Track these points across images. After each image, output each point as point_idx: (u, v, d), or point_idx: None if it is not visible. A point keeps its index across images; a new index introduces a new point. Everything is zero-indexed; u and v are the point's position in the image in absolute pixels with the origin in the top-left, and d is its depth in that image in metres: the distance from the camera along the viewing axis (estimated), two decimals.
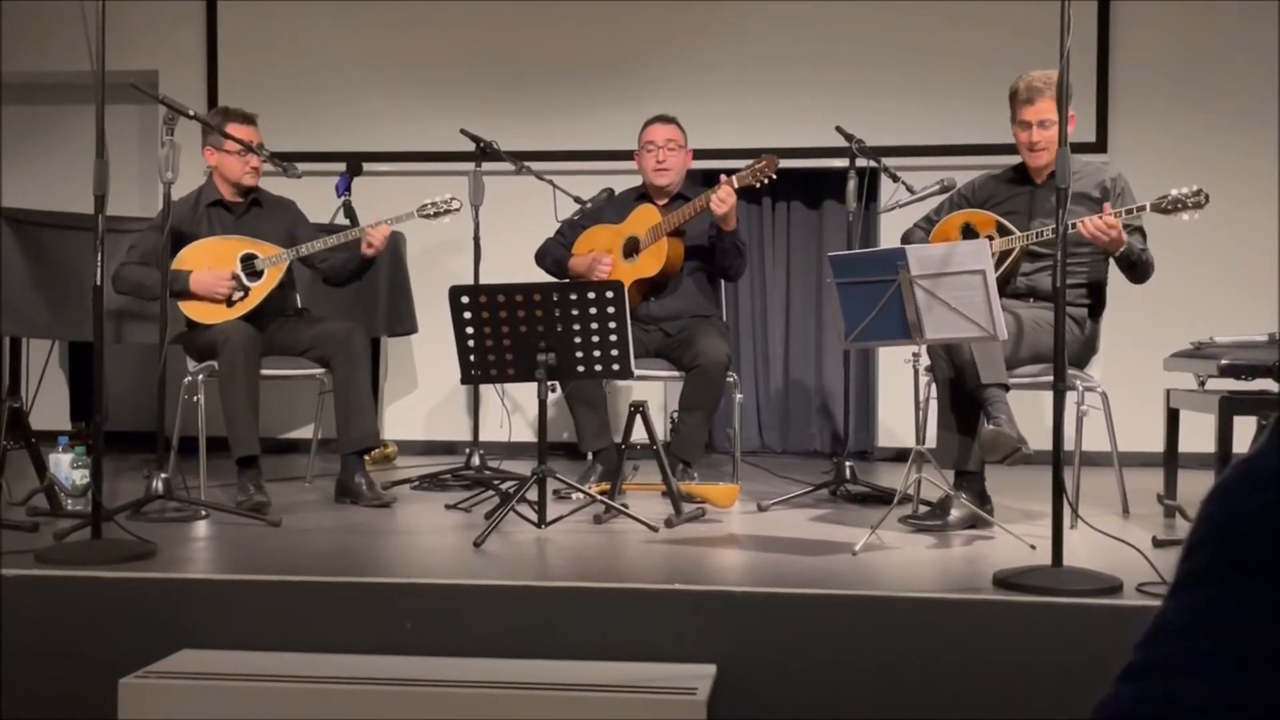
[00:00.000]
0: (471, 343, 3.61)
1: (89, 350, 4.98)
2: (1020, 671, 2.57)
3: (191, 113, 3.81)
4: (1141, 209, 3.60)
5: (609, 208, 4.67)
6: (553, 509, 3.59)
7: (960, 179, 4.16)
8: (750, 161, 4.21)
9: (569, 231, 4.73)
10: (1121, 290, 3.98)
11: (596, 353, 3.59)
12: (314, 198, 4.89)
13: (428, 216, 4.24)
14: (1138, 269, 3.76)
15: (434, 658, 2.66)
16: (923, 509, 3.70)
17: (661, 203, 4.63)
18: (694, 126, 4.80)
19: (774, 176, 4.19)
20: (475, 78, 5.91)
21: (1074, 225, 3.53)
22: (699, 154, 4.87)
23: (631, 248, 4.54)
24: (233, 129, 4.22)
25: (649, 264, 4.47)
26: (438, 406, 5.96)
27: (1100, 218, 3.56)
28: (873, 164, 4.36)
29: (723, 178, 4.24)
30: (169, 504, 3.71)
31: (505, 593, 2.78)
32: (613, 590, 2.76)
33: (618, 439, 4.20)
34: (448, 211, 4.24)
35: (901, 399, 5.35)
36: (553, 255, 4.72)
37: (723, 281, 4.76)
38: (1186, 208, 3.50)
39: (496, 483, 4.29)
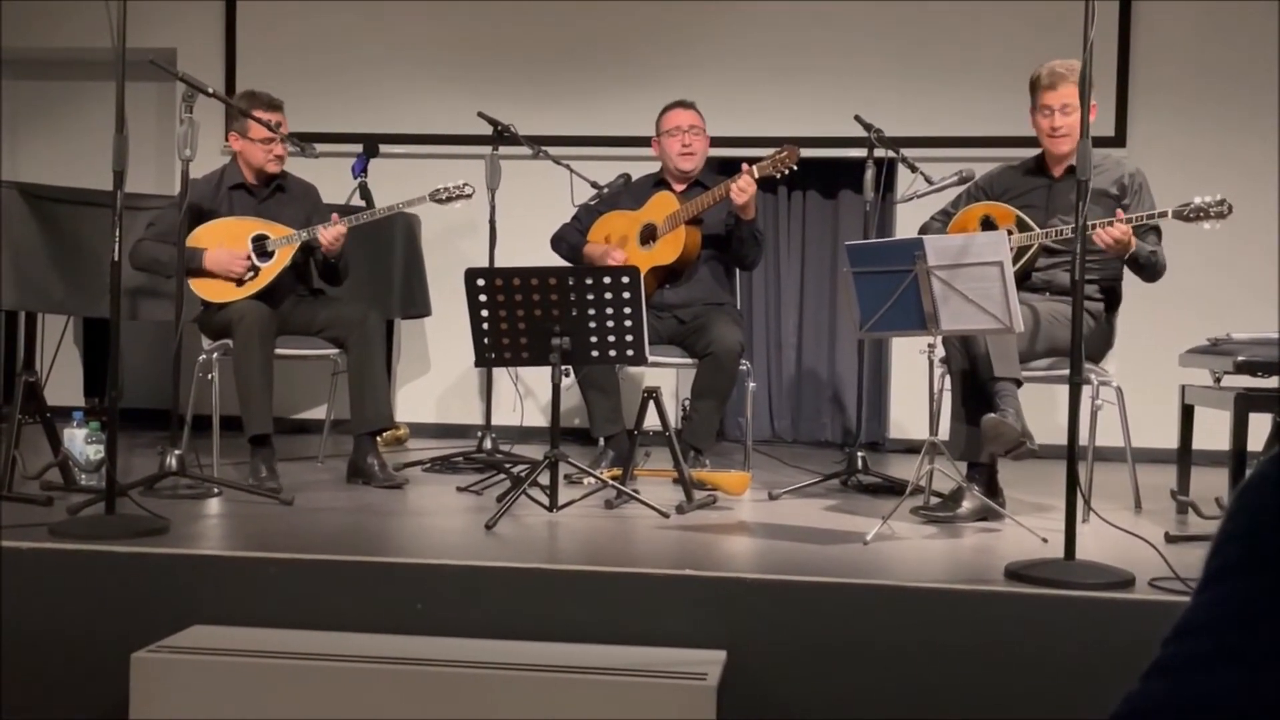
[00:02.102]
0: (486, 325, 3.62)
1: (104, 326, 4.99)
2: (1031, 664, 2.57)
3: (210, 90, 3.80)
4: (1163, 215, 3.58)
5: (626, 194, 4.66)
6: (564, 493, 3.59)
7: (978, 171, 4.15)
8: (771, 151, 4.19)
9: (585, 217, 4.71)
10: (1138, 285, 3.96)
11: (611, 338, 3.59)
12: (331, 178, 4.90)
13: (440, 201, 4.23)
14: (1146, 270, 3.75)
15: (444, 638, 2.66)
16: (934, 500, 3.70)
17: (679, 189, 4.62)
18: (712, 114, 4.79)
19: (795, 167, 4.18)
20: (494, 61, 5.90)
21: (1091, 228, 3.52)
22: (717, 142, 4.86)
23: (648, 235, 4.53)
24: (260, 115, 4.21)
25: (666, 251, 4.46)
26: (450, 389, 5.97)
27: (1113, 224, 3.53)
28: (891, 154, 4.34)
29: (744, 166, 4.22)
30: (182, 481, 3.72)
31: (516, 575, 2.79)
32: (623, 575, 2.76)
33: (630, 425, 4.20)
34: (460, 196, 4.23)
35: (913, 391, 5.35)
36: (568, 241, 4.71)
37: (738, 270, 4.75)
38: (1209, 216, 3.48)
39: (508, 466, 4.30)
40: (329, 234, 4.14)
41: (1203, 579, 0.63)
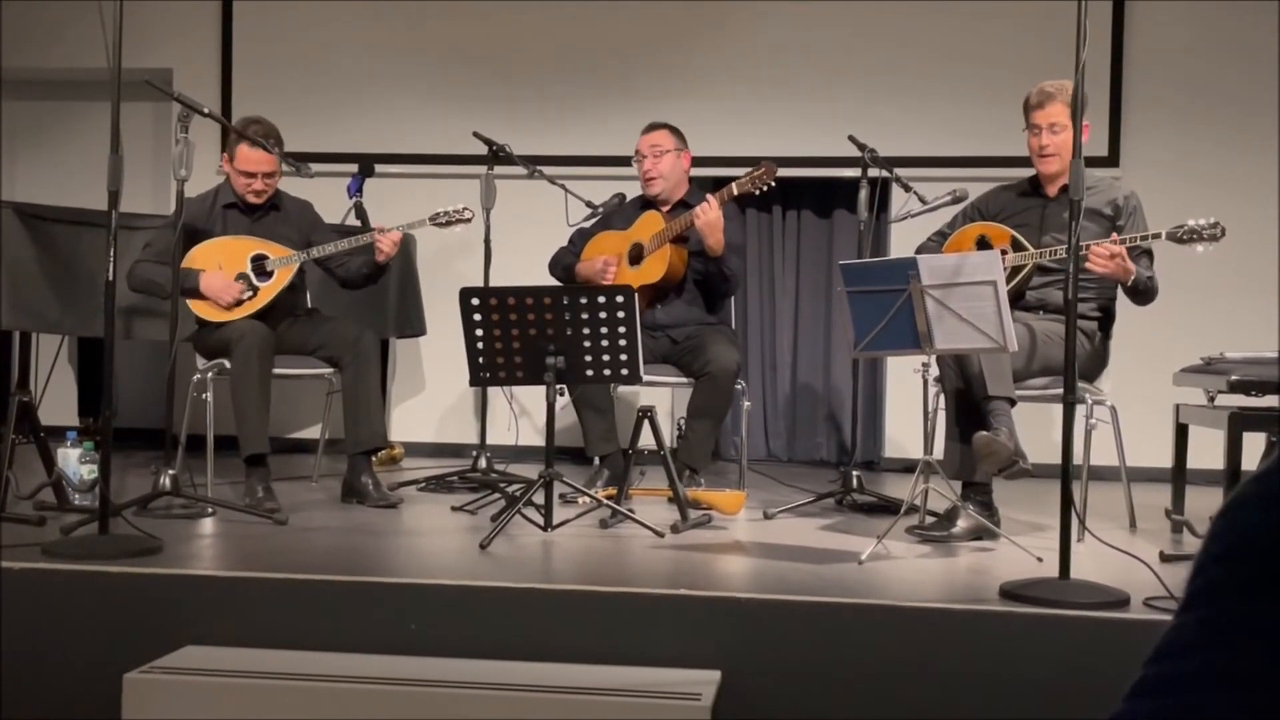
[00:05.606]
0: (481, 344, 3.62)
1: (98, 346, 5.00)
2: (1025, 683, 2.56)
3: (206, 110, 3.81)
4: (1156, 236, 3.59)
5: (617, 214, 4.68)
6: (559, 513, 3.59)
7: (972, 191, 4.16)
8: (748, 170, 4.20)
9: (579, 240, 4.73)
10: (1132, 304, 3.97)
11: (605, 357, 3.59)
12: (326, 198, 4.90)
13: (440, 225, 4.24)
14: (1141, 295, 3.75)
15: (438, 658, 2.66)
16: (929, 519, 3.69)
17: (666, 209, 4.63)
18: (707, 134, 4.80)
19: (772, 184, 4.17)
20: (489, 81, 5.92)
21: (1084, 248, 3.52)
22: (713, 161, 4.87)
23: (636, 254, 4.54)
24: (243, 151, 4.23)
25: (653, 269, 4.48)
26: (445, 409, 5.96)
27: (1104, 245, 3.53)
28: (885, 174, 4.35)
29: (708, 197, 4.24)
30: (176, 500, 3.71)
31: (510, 595, 2.78)
32: (618, 594, 2.76)
33: (625, 444, 4.20)
34: (460, 220, 4.23)
35: (908, 410, 5.35)
36: (563, 264, 4.72)
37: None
38: (1202, 239, 3.49)
39: (503, 485, 4.30)
40: (387, 241, 4.15)
41: (1185, 598, 0.63)
